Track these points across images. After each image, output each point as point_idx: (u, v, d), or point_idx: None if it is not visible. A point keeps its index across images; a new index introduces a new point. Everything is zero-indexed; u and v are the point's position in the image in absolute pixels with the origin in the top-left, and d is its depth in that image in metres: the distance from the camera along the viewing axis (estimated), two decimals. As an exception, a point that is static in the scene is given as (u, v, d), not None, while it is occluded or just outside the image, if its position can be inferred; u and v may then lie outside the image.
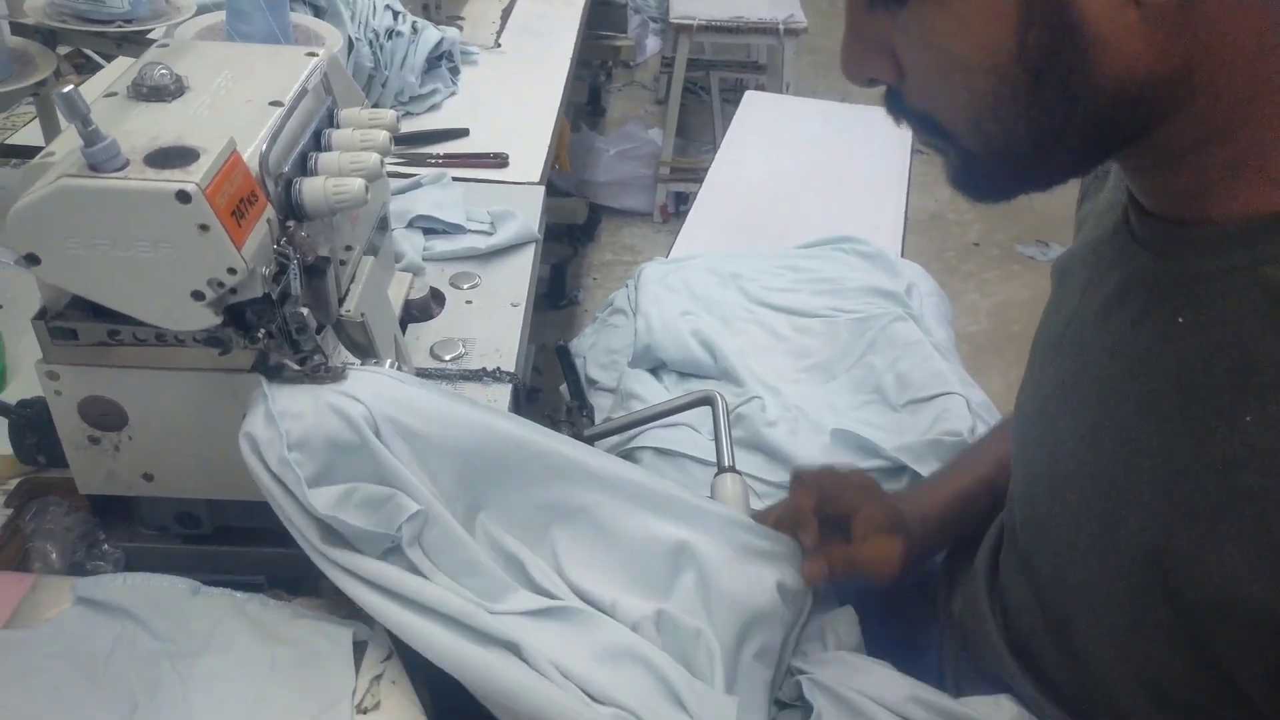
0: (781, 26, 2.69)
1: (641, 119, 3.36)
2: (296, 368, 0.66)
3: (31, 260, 0.61)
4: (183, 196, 0.58)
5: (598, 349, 1.40)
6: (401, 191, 1.27)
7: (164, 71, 0.68)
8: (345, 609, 0.70)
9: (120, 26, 1.15)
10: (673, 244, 1.69)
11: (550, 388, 1.91)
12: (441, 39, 1.59)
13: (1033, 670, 0.68)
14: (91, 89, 0.67)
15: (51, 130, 1.19)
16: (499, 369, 1.01)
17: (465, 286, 1.15)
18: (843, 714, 0.69)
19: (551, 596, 0.70)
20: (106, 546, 0.76)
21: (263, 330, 0.65)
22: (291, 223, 0.68)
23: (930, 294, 1.45)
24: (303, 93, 0.74)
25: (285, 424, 0.64)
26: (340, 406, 0.65)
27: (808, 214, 1.73)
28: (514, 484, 0.73)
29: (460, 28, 1.80)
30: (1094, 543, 0.58)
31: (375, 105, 1.22)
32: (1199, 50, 0.47)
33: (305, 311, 0.66)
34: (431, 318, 1.09)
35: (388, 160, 0.78)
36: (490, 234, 1.23)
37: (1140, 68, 0.47)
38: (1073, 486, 0.60)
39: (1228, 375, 0.49)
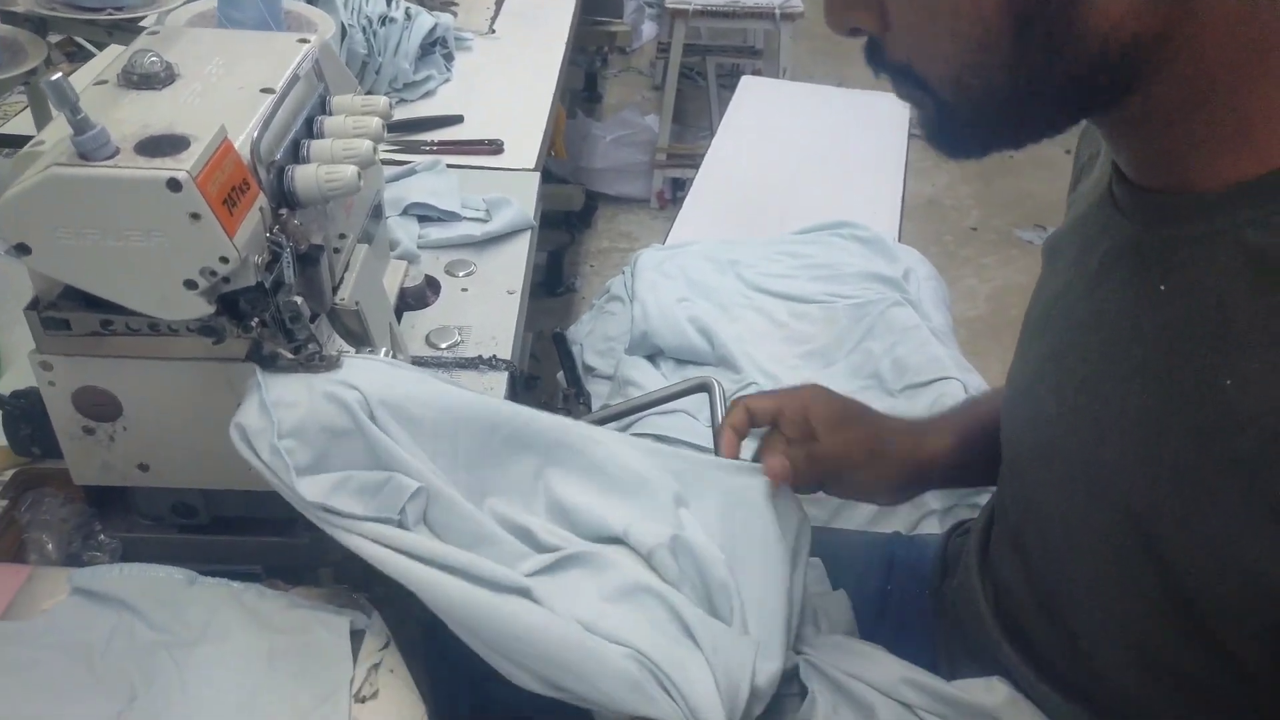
0: (778, 11, 2.68)
1: (638, 105, 3.34)
2: (291, 357, 0.66)
3: (22, 250, 0.60)
4: (173, 185, 0.58)
5: (595, 336, 1.40)
6: (396, 179, 1.27)
7: (154, 59, 0.68)
8: (342, 598, 0.70)
9: (111, 14, 1.14)
10: (669, 230, 1.69)
11: (547, 375, 1.91)
12: (435, 25, 1.58)
13: (1024, 649, 0.68)
14: (82, 77, 0.67)
15: (43, 119, 1.18)
16: (495, 357, 1.01)
17: (461, 274, 1.15)
18: (836, 697, 0.69)
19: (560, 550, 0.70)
20: (103, 537, 0.76)
21: (256, 319, 0.65)
22: (284, 211, 0.68)
23: (928, 279, 1.44)
24: (295, 79, 0.73)
25: (279, 413, 0.64)
26: (335, 394, 0.65)
27: (805, 199, 1.72)
28: (512, 458, 0.72)
29: (454, 14, 1.79)
30: (1079, 513, 0.58)
31: (369, 92, 1.22)
32: (1183, 13, 0.47)
33: (299, 300, 0.66)
34: (427, 306, 1.08)
35: (381, 147, 0.77)
36: (485, 221, 1.22)
37: (1125, 27, 0.47)
38: (1058, 456, 0.60)
39: (1208, 339, 0.49)
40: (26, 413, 0.79)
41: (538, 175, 1.37)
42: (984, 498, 1.07)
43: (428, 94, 1.56)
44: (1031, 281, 0.71)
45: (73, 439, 0.72)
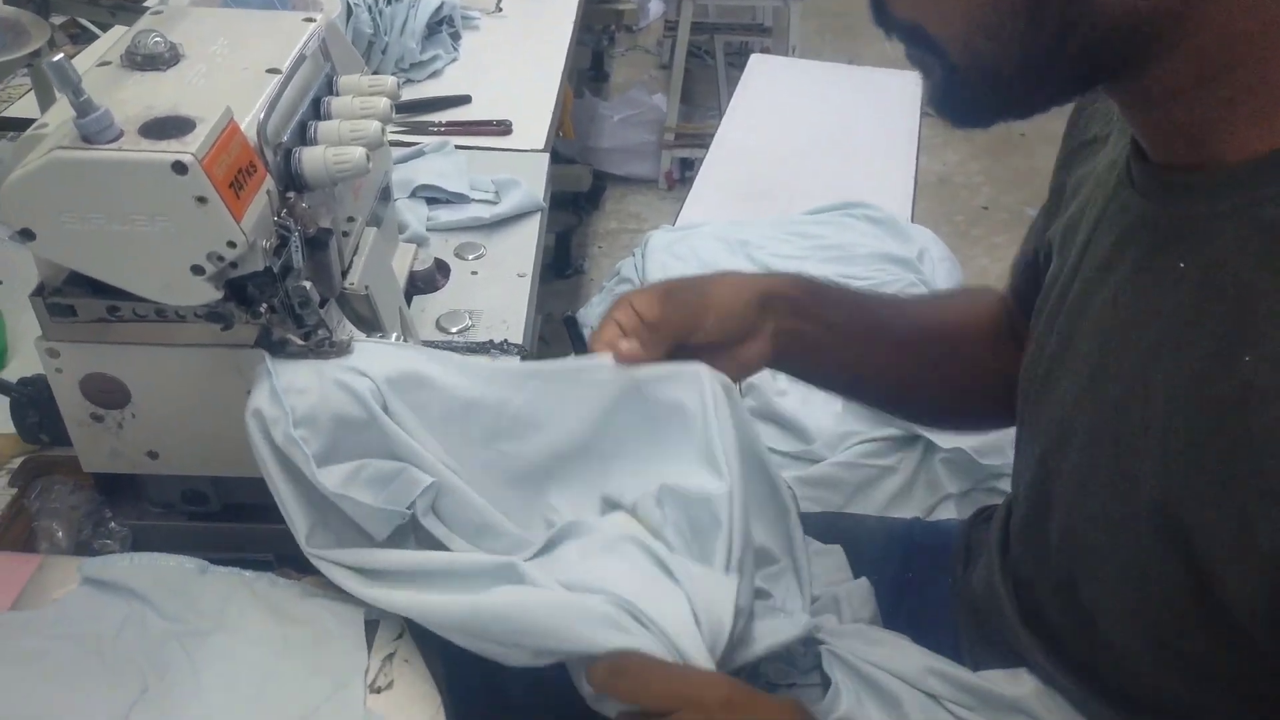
0: (787, -12, 2.65)
1: (645, 84, 3.32)
2: (300, 343, 0.65)
3: (26, 235, 0.59)
4: (179, 168, 0.57)
5: (605, 318, 1.38)
6: (404, 160, 1.25)
7: (158, 39, 0.66)
8: (355, 587, 0.69)
9: (114, -6, 1.13)
10: (679, 211, 1.67)
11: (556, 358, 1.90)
12: (442, 3, 1.56)
13: (1044, 640, 0.67)
14: (85, 59, 0.65)
15: (47, 102, 1.17)
16: (506, 341, 0.99)
17: (470, 257, 1.13)
18: (860, 688, 0.69)
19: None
20: (113, 525, 0.75)
21: (265, 305, 0.64)
22: (292, 194, 0.66)
23: (942, 260, 1.43)
24: (301, 59, 0.72)
25: (290, 400, 0.63)
26: (346, 382, 0.64)
27: (815, 179, 1.71)
28: (529, 429, 0.70)
29: (461, -8, 1.77)
30: (1100, 499, 0.58)
31: (375, 72, 1.20)
32: None
33: (308, 285, 0.65)
34: (437, 289, 1.07)
35: (389, 128, 0.76)
36: (495, 203, 1.21)
37: (1142, 1, 0.47)
38: (1077, 443, 0.60)
39: (1226, 316, 0.49)
40: (34, 400, 0.78)
41: (547, 156, 1.36)
42: (1003, 481, 1.07)
43: (435, 74, 1.55)
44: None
45: (81, 426, 0.71)
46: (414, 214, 1.16)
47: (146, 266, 0.61)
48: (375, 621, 0.67)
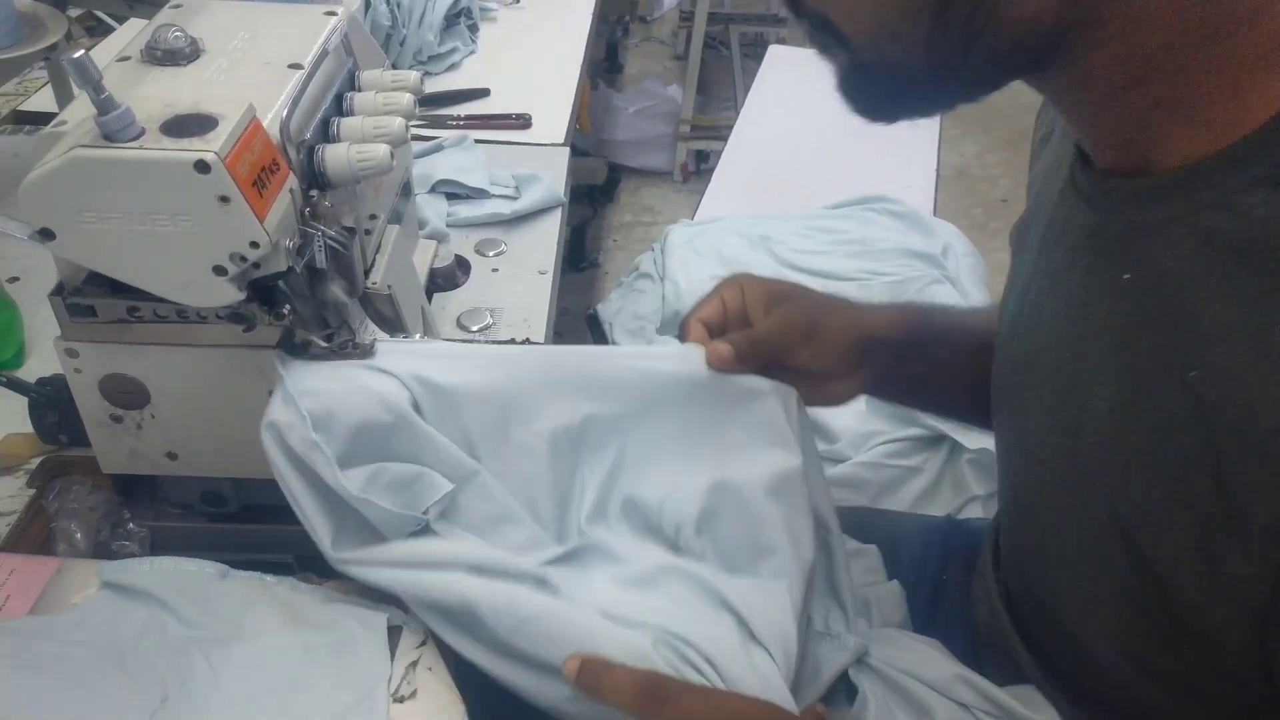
0: (804, -22, 2.62)
1: (660, 76, 3.29)
2: (324, 345, 0.64)
3: (46, 235, 0.58)
4: (201, 167, 0.55)
5: (624, 314, 1.37)
6: (422, 155, 1.24)
7: (178, 34, 0.65)
8: (378, 593, 0.68)
9: (131, -14, 1.11)
10: (696, 204, 1.65)
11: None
12: (459, -5, 1.54)
13: (1040, 657, 0.67)
14: (104, 53, 0.64)
15: (64, 96, 1.16)
16: (528, 339, 0.98)
17: (491, 254, 1.12)
18: (890, 696, 0.67)
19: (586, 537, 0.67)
20: (132, 526, 0.74)
21: (288, 306, 0.62)
22: (314, 192, 0.65)
23: (966, 255, 1.41)
24: (323, 54, 0.71)
25: (305, 403, 0.62)
26: (370, 386, 0.63)
27: (836, 172, 1.69)
28: (555, 405, 0.68)
29: (478, -17, 1.75)
30: (1061, 512, 0.57)
31: (394, 65, 1.18)
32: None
33: (332, 286, 0.64)
34: (457, 286, 1.06)
35: (410, 123, 0.74)
36: (515, 198, 1.19)
37: (1048, 13, 0.46)
38: (1042, 455, 0.59)
39: (1171, 330, 0.47)
40: (53, 400, 0.77)
41: (567, 150, 1.34)
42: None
43: (453, 67, 1.53)
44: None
45: (100, 427, 0.70)
46: (434, 209, 1.14)
47: (168, 267, 0.59)
48: (398, 628, 0.66)
